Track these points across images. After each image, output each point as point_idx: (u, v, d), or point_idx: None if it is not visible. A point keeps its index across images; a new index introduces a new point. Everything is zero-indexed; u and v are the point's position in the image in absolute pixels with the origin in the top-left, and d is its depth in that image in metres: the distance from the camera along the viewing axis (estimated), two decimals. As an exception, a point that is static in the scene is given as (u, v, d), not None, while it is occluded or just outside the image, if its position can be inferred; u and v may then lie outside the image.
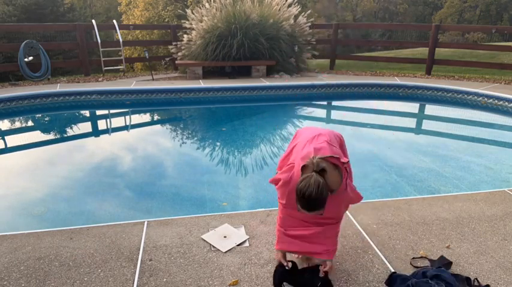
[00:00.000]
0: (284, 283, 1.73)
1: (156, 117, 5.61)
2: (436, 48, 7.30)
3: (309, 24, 7.54)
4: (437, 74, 7.43)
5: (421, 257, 1.95)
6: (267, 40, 6.85)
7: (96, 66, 7.77)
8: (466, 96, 6.04)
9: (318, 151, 1.56)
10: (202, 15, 7.04)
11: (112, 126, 5.11)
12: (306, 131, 1.80)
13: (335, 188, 1.54)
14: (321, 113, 5.99)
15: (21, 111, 5.49)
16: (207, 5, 7.07)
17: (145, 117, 5.62)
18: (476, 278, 1.78)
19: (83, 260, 1.90)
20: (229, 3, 6.97)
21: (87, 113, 5.73)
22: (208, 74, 7.34)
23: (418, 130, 4.92)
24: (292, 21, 7.15)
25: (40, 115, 5.48)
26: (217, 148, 4.05)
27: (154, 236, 2.10)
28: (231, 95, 6.27)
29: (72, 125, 5.06)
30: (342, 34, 19.24)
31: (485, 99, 5.80)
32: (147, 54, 7.37)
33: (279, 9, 7.16)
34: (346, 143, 1.90)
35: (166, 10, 12.57)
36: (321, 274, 1.70)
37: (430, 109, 5.97)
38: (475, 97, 5.93)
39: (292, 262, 1.78)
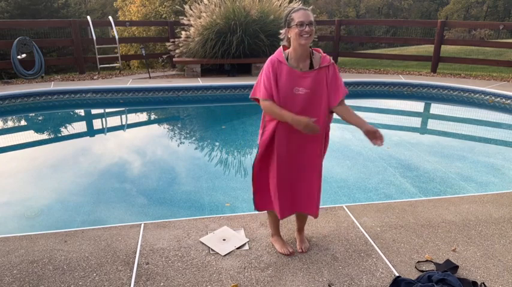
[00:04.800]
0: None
1: (153, 117, 5.53)
2: (442, 46, 7.21)
3: None
4: (443, 72, 7.35)
5: (427, 260, 1.91)
6: (267, 37, 6.78)
7: (91, 64, 7.66)
8: (472, 94, 5.99)
9: None
10: (201, 11, 6.95)
11: (108, 126, 5.03)
12: None
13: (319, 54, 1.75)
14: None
15: (14, 111, 5.39)
16: (205, 0, 6.98)
17: (142, 117, 5.54)
18: (483, 283, 1.75)
19: (78, 263, 1.86)
20: (228, -1, 6.89)
21: (81, 112, 5.64)
22: (206, 72, 7.26)
23: (423, 130, 4.87)
24: None
25: (33, 114, 5.38)
26: (216, 148, 3.99)
27: (151, 239, 2.06)
28: (230, 94, 6.20)
29: (67, 125, 4.98)
30: (345, 31, 19.09)
31: (493, 97, 5.74)
32: (143, 52, 7.27)
33: (280, 5, 7.09)
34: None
35: (163, 6, 12.43)
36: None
37: (436, 108, 5.91)
38: (482, 96, 5.87)
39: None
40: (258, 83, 1.76)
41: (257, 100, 1.78)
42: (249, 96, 1.81)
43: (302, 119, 1.63)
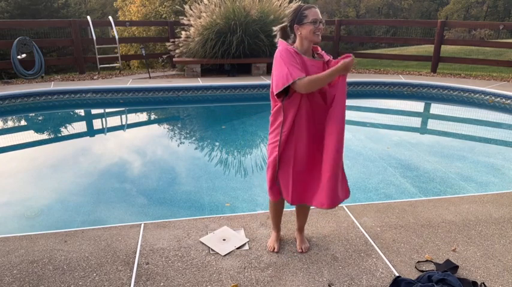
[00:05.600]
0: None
1: (153, 117, 5.53)
2: (442, 46, 7.20)
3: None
4: (443, 72, 7.34)
5: (427, 260, 1.91)
6: (267, 37, 6.78)
7: (91, 64, 7.66)
8: (472, 94, 5.98)
9: None
10: (201, 11, 6.95)
11: (107, 126, 5.03)
12: None
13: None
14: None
15: (14, 111, 5.39)
16: (205, 0, 6.98)
17: (142, 117, 5.54)
18: (483, 283, 1.75)
19: (78, 263, 1.86)
20: (228, -1, 6.89)
21: (81, 112, 5.63)
22: (206, 72, 7.25)
23: (423, 130, 4.87)
24: None
25: (33, 114, 5.38)
26: (216, 148, 3.98)
27: (151, 239, 2.06)
28: (230, 94, 6.20)
29: (67, 125, 4.97)
30: (345, 31, 19.11)
31: (493, 97, 5.73)
32: (143, 52, 7.26)
33: (280, 5, 7.09)
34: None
35: (163, 6, 12.42)
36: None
37: (436, 108, 5.90)
38: (482, 96, 5.86)
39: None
40: (280, 74, 1.66)
41: (275, 98, 1.71)
42: (275, 93, 1.69)
43: (343, 63, 1.59)
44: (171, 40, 7.50)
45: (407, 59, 8.43)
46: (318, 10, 1.70)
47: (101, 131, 4.80)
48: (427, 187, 2.99)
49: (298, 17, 1.67)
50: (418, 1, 29.02)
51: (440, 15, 26.80)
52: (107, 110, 5.70)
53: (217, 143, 4.12)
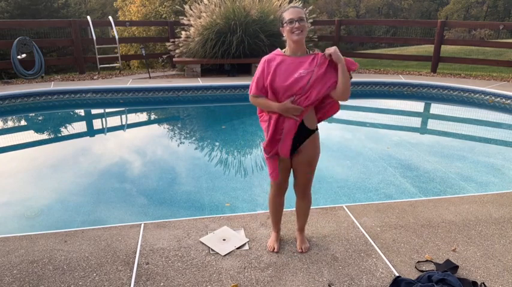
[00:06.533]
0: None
1: (153, 117, 5.53)
2: (442, 46, 7.21)
3: (311, 20, 7.44)
4: (443, 72, 7.35)
5: (427, 260, 1.91)
6: (267, 37, 6.78)
7: (91, 64, 7.66)
8: (472, 94, 5.99)
9: None
10: (201, 11, 6.95)
11: (107, 126, 5.03)
12: None
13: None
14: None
15: (14, 111, 5.39)
16: (205, 0, 6.98)
17: (142, 117, 5.54)
18: (483, 283, 1.75)
19: (78, 263, 1.86)
20: (228, -1, 6.88)
21: (81, 112, 5.64)
22: (206, 72, 7.26)
23: (423, 130, 4.88)
24: None
25: (33, 114, 5.38)
26: (216, 148, 3.99)
27: (151, 239, 2.06)
28: (230, 94, 6.20)
29: (67, 125, 4.98)
30: (345, 31, 19.12)
31: (493, 97, 5.74)
32: (143, 52, 7.26)
33: (280, 5, 7.09)
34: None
35: (163, 6, 12.43)
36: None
37: (436, 108, 5.91)
38: (482, 96, 5.87)
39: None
40: (253, 79, 1.82)
41: None
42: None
43: (285, 104, 1.71)
44: (171, 40, 7.50)
45: (407, 59, 8.44)
46: (296, 9, 1.71)
47: (101, 131, 4.80)
48: (427, 187, 2.99)
49: (280, 21, 1.76)
50: (418, 1, 29.02)
51: (440, 15, 26.80)
52: (107, 110, 5.70)
53: (217, 143, 4.12)
